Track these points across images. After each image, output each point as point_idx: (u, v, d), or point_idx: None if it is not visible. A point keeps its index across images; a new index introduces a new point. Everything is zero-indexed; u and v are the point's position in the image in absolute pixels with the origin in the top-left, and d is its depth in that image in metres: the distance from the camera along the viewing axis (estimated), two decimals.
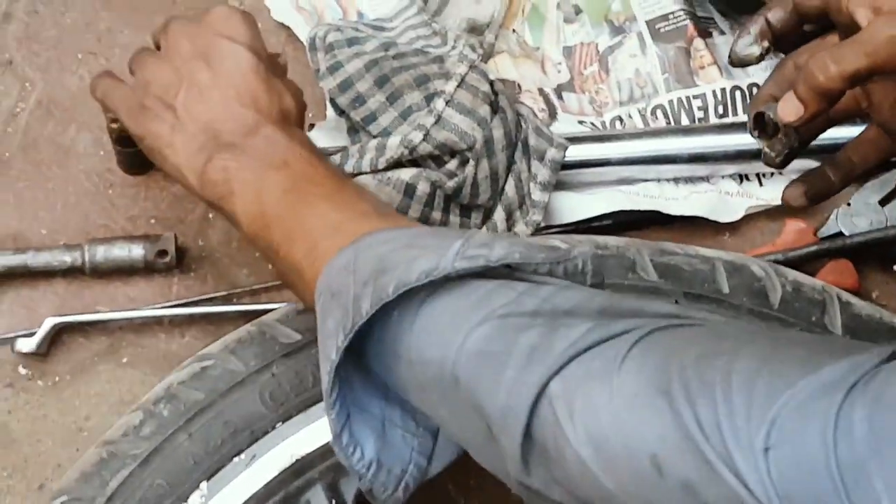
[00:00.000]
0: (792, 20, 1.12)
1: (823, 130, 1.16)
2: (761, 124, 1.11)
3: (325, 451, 0.99)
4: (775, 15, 1.12)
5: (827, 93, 1.01)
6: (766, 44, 1.13)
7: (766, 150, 1.11)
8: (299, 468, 0.99)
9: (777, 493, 0.65)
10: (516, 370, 0.78)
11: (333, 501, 0.99)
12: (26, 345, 1.21)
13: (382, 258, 0.85)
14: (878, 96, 1.10)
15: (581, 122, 1.31)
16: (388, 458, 0.90)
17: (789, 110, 1.03)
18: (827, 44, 1.08)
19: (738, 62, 1.16)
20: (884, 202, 1.26)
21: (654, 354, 0.75)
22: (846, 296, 1.01)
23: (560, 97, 1.33)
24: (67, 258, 1.23)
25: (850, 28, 1.04)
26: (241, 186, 1.00)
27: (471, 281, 0.84)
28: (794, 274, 1.01)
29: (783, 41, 1.15)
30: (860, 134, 1.17)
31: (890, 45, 0.98)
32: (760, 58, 1.14)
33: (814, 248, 1.24)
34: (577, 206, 1.27)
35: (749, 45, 1.13)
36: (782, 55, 1.19)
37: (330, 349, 0.84)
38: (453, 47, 1.27)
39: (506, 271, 0.86)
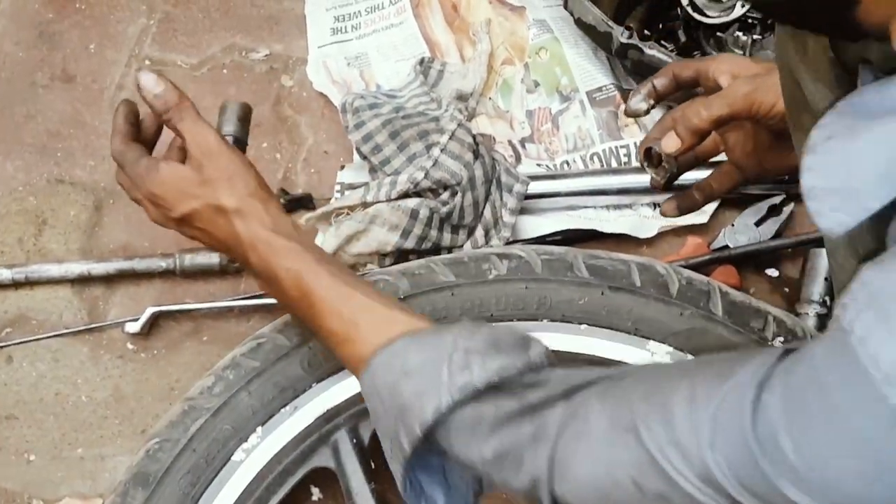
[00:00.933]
0: (671, 85, 1.11)
1: (694, 166, 1.14)
2: (649, 157, 1.10)
3: (348, 404, 0.97)
4: (660, 81, 1.11)
5: (698, 131, 1.01)
6: (651, 101, 1.12)
7: (653, 175, 1.10)
8: (329, 416, 0.97)
9: (727, 475, 0.64)
10: (530, 457, 0.75)
11: (355, 440, 0.97)
12: (133, 327, 1.19)
13: (394, 391, 0.79)
14: (731, 142, 1.09)
15: (539, 165, 1.29)
16: (455, 499, 0.86)
17: (671, 144, 1.02)
18: (696, 101, 1.08)
19: (631, 114, 1.14)
20: (758, 224, 1.23)
21: (609, 405, 0.73)
22: (725, 288, 1.00)
23: (524, 146, 1.31)
24: (163, 263, 1.22)
25: (714, 89, 1.04)
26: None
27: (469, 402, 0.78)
28: (687, 272, 1.00)
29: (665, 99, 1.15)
30: (718, 167, 1.15)
31: (745, 99, 0.98)
32: (647, 112, 1.12)
33: (707, 256, 1.22)
34: (536, 226, 1.25)
35: (639, 102, 1.11)
36: (671, 105, 1.18)
37: (395, 458, 0.80)
38: (446, 110, 1.24)
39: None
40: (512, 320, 0.96)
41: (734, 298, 0.96)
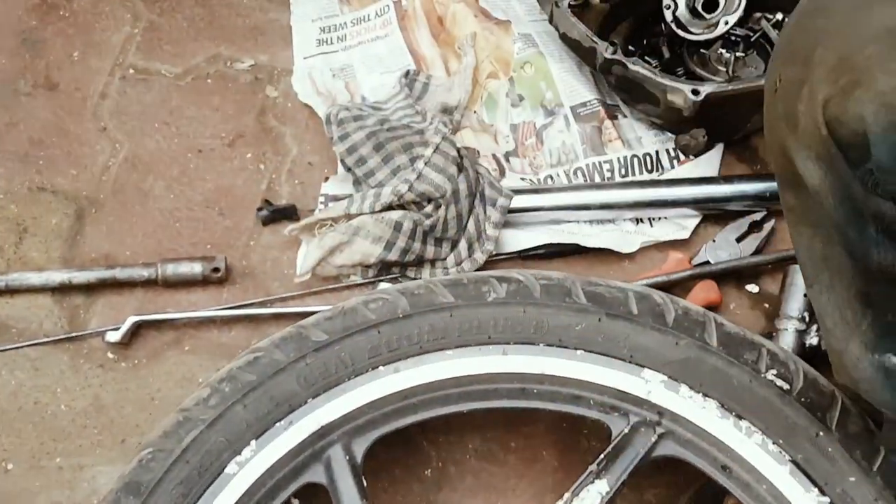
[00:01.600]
0: None
1: None
2: None
3: (343, 420, 0.99)
4: None
5: None
6: None
7: None
8: (323, 432, 0.98)
9: None
10: None
11: (348, 457, 0.99)
12: (113, 336, 1.21)
13: None
14: None
15: (522, 179, 1.32)
16: None
17: None
18: None
19: None
20: (739, 240, 1.28)
21: None
22: (720, 318, 1.02)
23: (508, 160, 1.34)
24: (145, 273, 1.23)
25: None
26: None
27: None
28: (683, 302, 1.02)
29: None
30: None
31: None
32: None
33: (689, 272, 1.25)
34: (519, 239, 1.28)
35: None
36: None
37: None
38: (431, 123, 1.27)
39: None
40: (509, 343, 0.98)
41: (729, 330, 0.99)
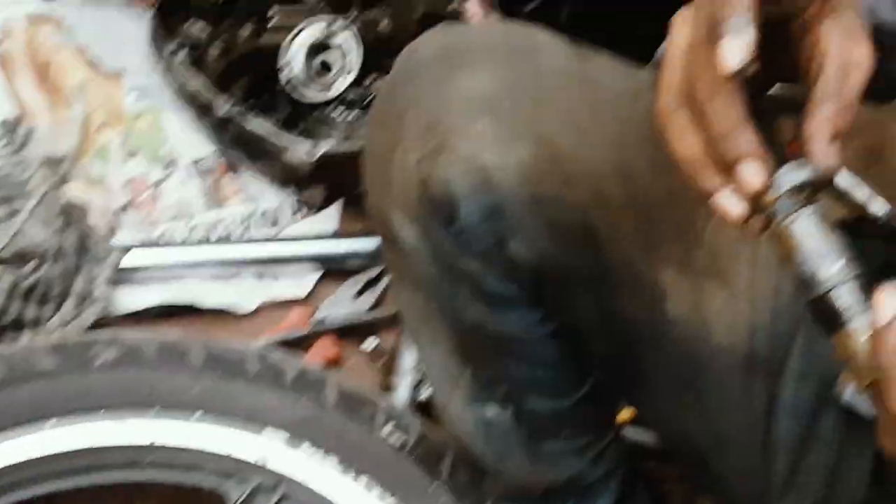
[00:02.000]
0: None
1: None
2: None
3: None
4: None
5: None
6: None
7: None
8: None
9: None
10: None
11: None
12: None
13: None
14: None
15: (137, 235, 1.28)
16: None
17: None
18: None
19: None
20: (357, 296, 1.30)
21: None
22: (338, 376, 1.03)
23: (121, 215, 1.30)
24: None
25: None
26: None
27: None
28: (302, 360, 1.03)
29: None
30: None
31: None
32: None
33: (308, 330, 1.26)
34: (133, 298, 1.24)
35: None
36: None
37: None
38: (34, 174, 1.21)
39: None
40: (120, 410, 0.93)
41: (346, 389, 1.00)
